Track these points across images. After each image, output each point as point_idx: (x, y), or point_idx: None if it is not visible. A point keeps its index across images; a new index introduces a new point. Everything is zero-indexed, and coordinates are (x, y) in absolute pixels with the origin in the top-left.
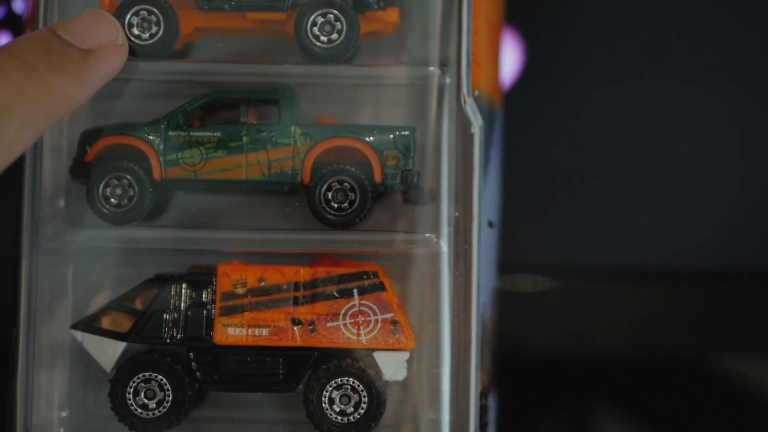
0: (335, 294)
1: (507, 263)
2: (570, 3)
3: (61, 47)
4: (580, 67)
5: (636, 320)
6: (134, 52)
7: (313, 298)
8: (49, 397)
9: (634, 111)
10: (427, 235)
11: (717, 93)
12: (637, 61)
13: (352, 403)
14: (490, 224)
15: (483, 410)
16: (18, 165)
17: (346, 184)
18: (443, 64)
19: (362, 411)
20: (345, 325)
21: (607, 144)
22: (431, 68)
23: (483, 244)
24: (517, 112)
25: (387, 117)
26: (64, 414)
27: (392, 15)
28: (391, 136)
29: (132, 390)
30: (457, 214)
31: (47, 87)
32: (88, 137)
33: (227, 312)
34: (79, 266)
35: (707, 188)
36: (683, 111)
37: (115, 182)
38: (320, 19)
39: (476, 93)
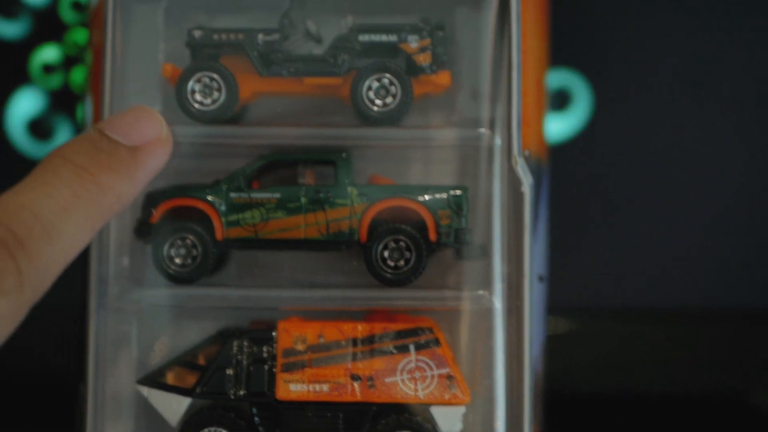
0: (392, 350)
1: (552, 306)
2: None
3: (110, 147)
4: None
5: (679, 359)
6: (196, 116)
7: (371, 354)
8: None
9: (671, 156)
10: (480, 292)
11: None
12: (675, 109)
13: None
14: (540, 278)
15: None
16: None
17: (402, 242)
18: (492, 125)
19: None
20: (402, 380)
21: (644, 186)
22: (481, 129)
23: (534, 299)
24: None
25: (437, 175)
26: None
27: (444, 78)
28: (445, 195)
29: None
30: (508, 270)
31: (100, 187)
32: (153, 199)
33: (288, 368)
34: (142, 323)
35: (748, 230)
36: (724, 160)
37: (180, 243)
38: (375, 84)
39: (526, 153)
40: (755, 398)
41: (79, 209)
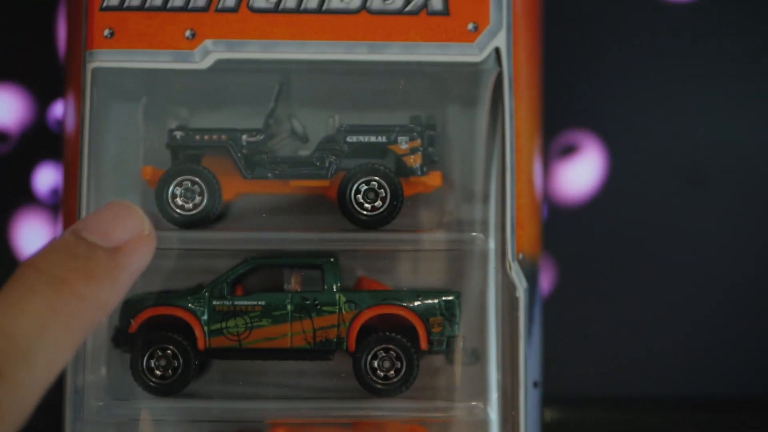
0: None
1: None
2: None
3: (88, 251)
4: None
5: None
6: (177, 222)
7: None
8: None
9: (677, 234)
10: (474, 403)
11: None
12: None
13: None
14: (535, 384)
15: None
16: None
17: (392, 352)
18: (485, 227)
19: None
20: None
21: (647, 264)
22: (474, 233)
23: (529, 406)
24: None
25: (426, 277)
26: None
27: (435, 179)
28: (436, 301)
29: None
30: (501, 376)
31: (79, 298)
32: (131, 307)
33: None
34: None
35: (756, 316)
36: (743, 236)
37: (160, 353)
38: (364, 187)
39: (520, 256)
40: None
41: (58, 325)
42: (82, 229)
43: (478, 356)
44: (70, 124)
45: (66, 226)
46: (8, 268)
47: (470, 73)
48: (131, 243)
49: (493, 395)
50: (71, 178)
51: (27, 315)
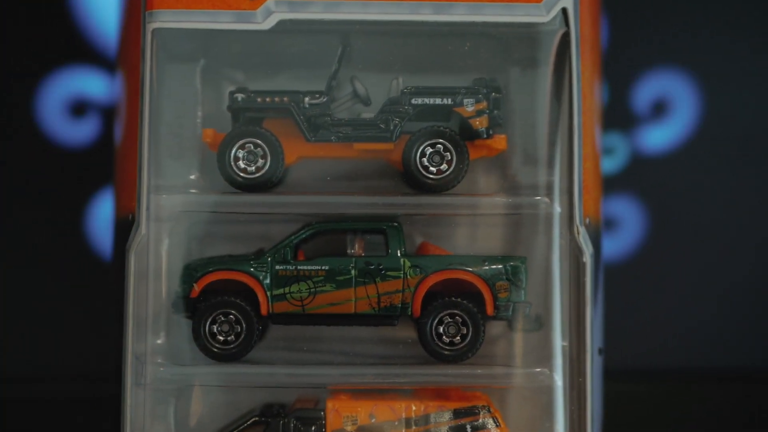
0: (449, 431)
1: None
2: None
3: None
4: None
5: (725, 421)
6: (239, 185)
7: None
8: None
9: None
10: (539, 369)
11: None
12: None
13: None
14: (600, 351)
15: None
16: (120, 297)
17: (458, 317)
18: (550, 191)
19: None
20: None
21: (705, 242)
22: (539, 197)
23: (595, 373)
24: None
25: (486, 243)
26: None
27: (500, 142)
28: (503, 267)
29: None
30: (565, 343)
31: None
32: (192, 272)
33: None
34: (181, 402)
35: None
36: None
37: (222, 319)
38: (429, 150)
39: (587, 220)
40: None
41: None
42: None
43: (541, 323)
44: (127, 89)
45: (122, 194)
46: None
47: (535, 34)
48: None
49: (558, 361)
50: (129, 143)
51: None
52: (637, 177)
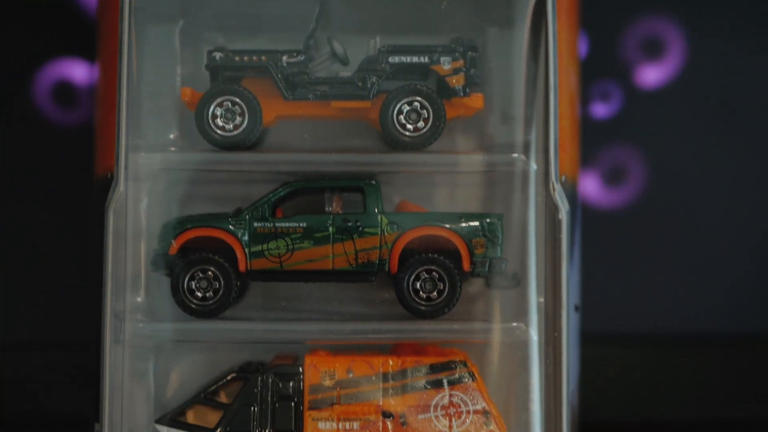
0: (425, 385)
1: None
2: None
3: None
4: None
5: (713, 387)
6: (217, 142)
7: (403, 390)
8: None
9: (714, 169)
10: (515, 324)
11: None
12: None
13: None
14: (576, 308)
15: None
16: (99, 254)
17: (434, 273)
18: (527, 149)
19: None
20: (436, 417)
21: (683, 208)
22: (516, 155)
23: (571, 329)
24: None
25: (464, 202)
26: None
27: (477, 101)
28: (479, 223)
29: None
30: (541, 299)
31: None
32: (171, 229)
33: (316, 405)
34: (160, 359)
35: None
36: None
37: (201, 275)
38: (406, 107)
39: (563, 178)
40: None
41: None
42: None
43: (518, 280)
44: (105, 49)
45: (101, 154)
46: None
47: None
48: None
49: (534, 317)
50: (108, 103)
51: None
52: (632, 119)
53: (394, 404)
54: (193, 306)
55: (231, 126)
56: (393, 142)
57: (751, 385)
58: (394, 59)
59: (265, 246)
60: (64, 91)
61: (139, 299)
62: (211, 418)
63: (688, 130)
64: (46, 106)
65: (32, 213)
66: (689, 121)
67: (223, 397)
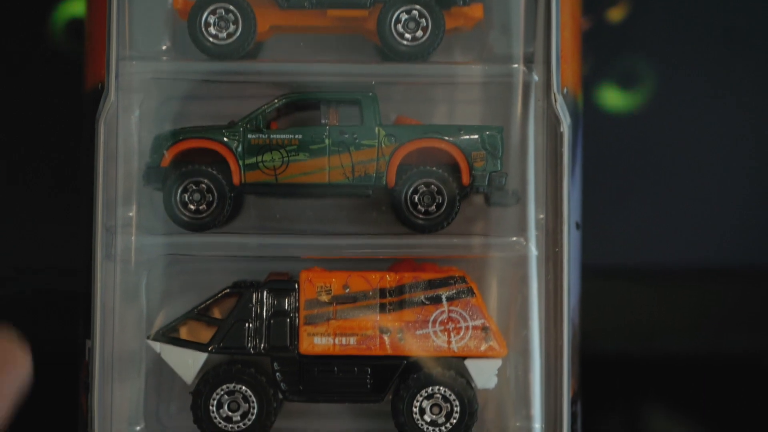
0: (424, 300)
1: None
2: None
3: None
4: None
5: (708, 320)
6: (210, 51)
7: (401, 305)
8: (123, 410)
9: (716, 106)
10: (514, 238)
11: None
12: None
13: (444, 413)
14: (577, 225)
15: (573, 418)
16: (89, 171)
17: (433, 186)
18: (528, 61)
19: (454, 421)
20: (435, 332)
21: (683, 143)
22: (516, 65)
23: (571, 247)
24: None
25: (464, 116)
26: (138, 428)
27: (476, 11)
28: (479, 136)
29: (215, 402)
30: (542, 215)
31: None
32: (163, 141)
33: (312, 320)
34: (152, 275)
35: None
36: (750, 110)
37: (194, 187)
38: (404, 16)
39: (564, 90)
40: None
41: None
42: None
43: (518, 197)
44: None
45: (92, 64)
46: None
47: None
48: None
49: (533, 232)
50: (99, 12)
51: None
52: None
53: (391, 319)
54: (186, 219)
55: (224, 34)
56: (391, 52)
57: (754, 320)
58: None
59: (259, 158)
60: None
61: (130, 214)
62: (205, 334)
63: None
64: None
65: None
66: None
67: (216, 313)
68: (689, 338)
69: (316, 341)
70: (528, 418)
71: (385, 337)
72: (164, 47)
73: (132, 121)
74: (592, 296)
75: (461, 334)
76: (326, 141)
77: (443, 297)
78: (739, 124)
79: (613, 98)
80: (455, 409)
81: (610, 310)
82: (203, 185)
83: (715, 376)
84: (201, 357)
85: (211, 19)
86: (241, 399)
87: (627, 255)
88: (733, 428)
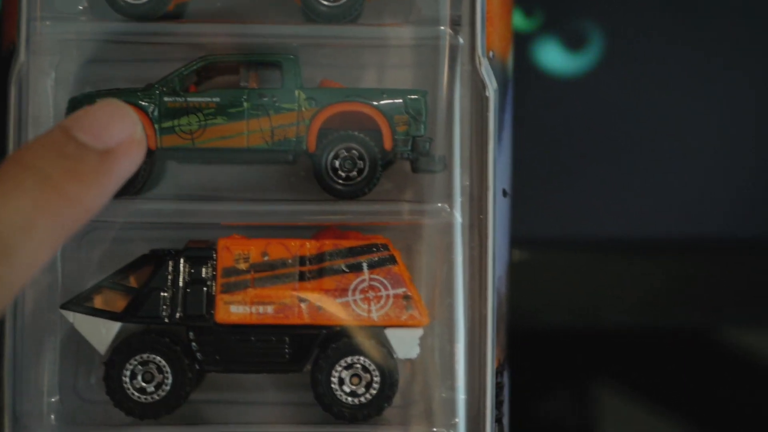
0: (344, 268)
1: (514, 236)
2: None
3: (78, 151)
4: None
5: (646, 293)
6: (125, 11)
7: (321, 273)
8: (37, 381)
9: (651, 77)
10: (440, 204)
11: (733, 62)
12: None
13: (364, 383)
14: (505, 193)
15: (499, 388)
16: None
17: (354, 151)
18: (454, 24)
19: (374, 391)
20: (355, 301)
21: (621, 114)
22: (442, 28)
23: (498, 214)
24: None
25: (393, 80)
26: (54, 400)
27: None
28: (402, 100)
29: (129, 373)
30: (469, 182)
31: (65, 199)
32: (78, 104)
33: (229, 289)
34: (68, 242)
35: (719, 160)
36: (698, 80)
37: None
38: None
39: (490, 54)
40: (724, 333)
41: (42, 223)
42: (73, 127)
43: (445, 164)
44: None
45: (6, 25)
46: None
47: None
48: (123, 147)
49: (459, 199)
50: None
51: (12, 212)
52: None
53: (310, 288)
54: None
55: None
56: (312, 13)
57: (693, 294)
58: None
59: (176, 122)
60: None
61: None
62: (120, 302)
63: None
64: None
65: None
66: None
67: (132, 282)
68: (634, 313)
69: (233, 310)
70: (453, 388)
71: (304, 306)
72: (81, 7)
73: (48, 84)
74: (537, 269)
75: (382, 302)
76: (245, 104)
77: (364, 265)
78: (684, 93)
79: (558, 62)
80: (375, 379)
81: (554, 283)
82: None
83: (658, 350)
84: (115, 326)
85: None
86: (155, 369)
87: (570, 226)
88: (679, 402)
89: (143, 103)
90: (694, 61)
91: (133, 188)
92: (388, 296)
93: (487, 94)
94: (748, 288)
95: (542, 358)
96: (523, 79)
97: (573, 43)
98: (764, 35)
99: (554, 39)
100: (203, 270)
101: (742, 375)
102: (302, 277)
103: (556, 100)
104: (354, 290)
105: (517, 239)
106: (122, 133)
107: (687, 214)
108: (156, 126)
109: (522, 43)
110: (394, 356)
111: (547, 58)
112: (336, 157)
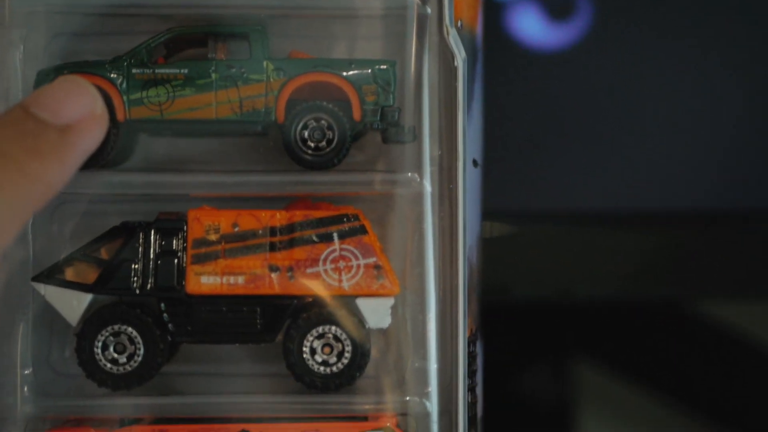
0: (314, 239)
1: (488, 209)
2: None
3: (36, 128)
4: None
5: (619, 267)
6: None
7: (291, 244)
8: (11, 355)
9: (627, 51)
10: (410, 174)
11: (710, 37)
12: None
13: (335, 352)
14: (475, 163)
15: (471, 357)
16: None
17: (323, 121)
18: None
19: (346, 361)
20: (325, 271)
21: (595, 86)
22: None
23: (468, 184)
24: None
25: (362, 51)
26: (27, 372)
27: None
28: (370, 70)
29: (100, 344)
30: (439, 152)
31: (26, 176)
32: (45, 77)
33: (200, 260)
34: (39, 215)
35: (691, 133)
36: (676, 53)
37: None
38: None
39: (459, 23)
40: (700, 306)
41: (3, 201)
42: (32, 104)
43: (415, 135)
44: None
45: None
46: None
47: None
48: (82, 122)
49: (428, 169)
50: None
51: None
52: None
53: (281, 258)
54: None
55: None
56: None
57: (668, 267)
58: None
59: (144, 93)
60: None
61: None
62: (91, 274)
63: None
64: None
65: None
66: None
67: (103, 254)
68: (607, 286)
69: (204, 280)
70: (425, 358)
71: (275, 276)
72: None
73: (17, 57)
74: (512, 241)
75: (352, 272)
76: (213, 75)
77: (335, 235)
78: (666, 69)
79: (539, 32)
80: (347, 348)
81: (528, 255)
82: None
83: (632, 323)
84: (86, 298)
85: None
86: (127, 341)
87: (545, 199)
88: (655, 376)
89: (111, 75)
90: (683, 35)
91: (102, 159)
92: (358, 266)
93: (455, 63)
94: (723, 261)
95: (516, 331)
96: (498, 49)
97: (558, 12)
98: (752, 7)
99: (536, 8)
100: (174, 241)
101: (718, 347)
102: (273, 247)
103: (535, 71)
104: (325, 260)
105: (491, 212)
106: (81, 108)
107: (662, 187)
108: (124, 98)
109: (500, 11)
110: (366, 326)
111: (527, 27)
112: (305, 127)
